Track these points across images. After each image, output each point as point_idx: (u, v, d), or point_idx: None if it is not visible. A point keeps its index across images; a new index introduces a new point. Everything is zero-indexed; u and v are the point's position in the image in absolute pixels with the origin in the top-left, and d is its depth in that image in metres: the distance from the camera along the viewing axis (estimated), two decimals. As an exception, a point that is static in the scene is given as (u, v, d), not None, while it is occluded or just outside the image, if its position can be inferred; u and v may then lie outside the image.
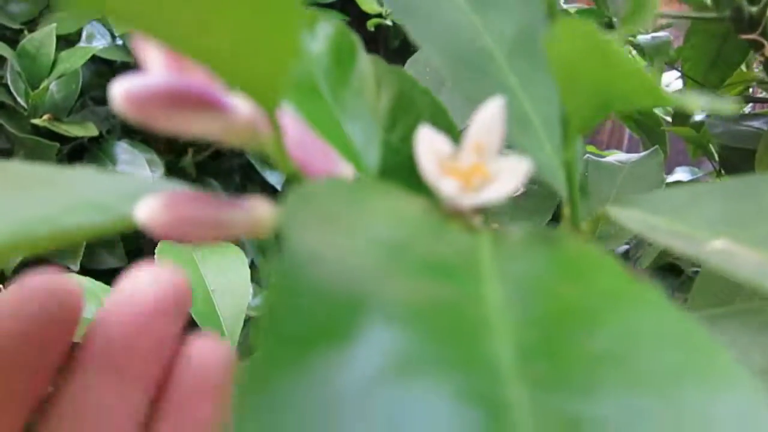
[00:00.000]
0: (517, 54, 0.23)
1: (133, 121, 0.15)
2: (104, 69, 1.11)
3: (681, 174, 1.10)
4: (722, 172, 0.90)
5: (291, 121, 0.16)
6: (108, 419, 0.18)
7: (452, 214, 0.15)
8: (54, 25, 0.94)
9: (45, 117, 0.96)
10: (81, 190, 0.16)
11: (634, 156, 0.67)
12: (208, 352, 0.19)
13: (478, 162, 0.16)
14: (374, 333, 0.09)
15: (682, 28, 0.86)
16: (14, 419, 0.17)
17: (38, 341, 0.17)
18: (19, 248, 0.13)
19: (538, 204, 0.52)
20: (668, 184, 0.83)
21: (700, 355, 0.10)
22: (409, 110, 0.23)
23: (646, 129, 0.93)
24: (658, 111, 0.92)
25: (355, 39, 0.21)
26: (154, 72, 0.15)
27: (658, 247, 0.61)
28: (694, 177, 1.07)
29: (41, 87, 0.93)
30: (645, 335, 0.10)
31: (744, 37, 0.46)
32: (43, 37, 0.93)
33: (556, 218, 0.56)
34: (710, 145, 0.91)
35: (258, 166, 1.15)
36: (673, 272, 0.75)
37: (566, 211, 0.22)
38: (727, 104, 0.13)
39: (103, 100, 1.15)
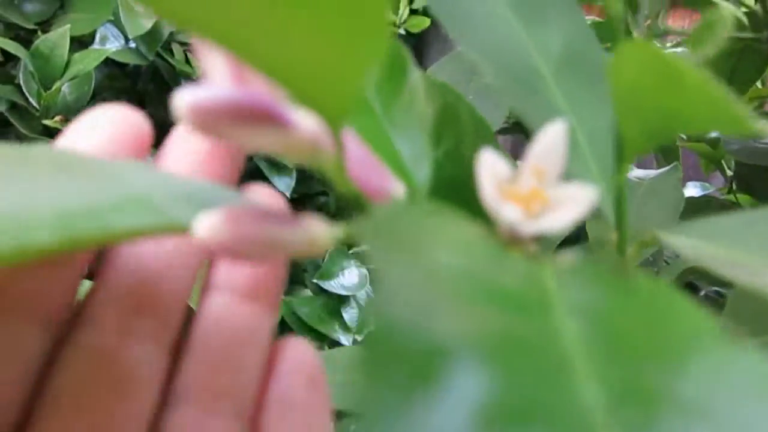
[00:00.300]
0: (563, 72, 0.22)
1: (194, 133, 0.14)
2: (116, 72, 1.11)
3: (692, 189, 1.10)
4: (733, 187, 0.90)
5: (350, 137, 0.16)
6: None
7: (509, 240, 0.15)
8: (68, 26, 0.94)
9: (57, 118, 0.95)
10: (129, 185, 0.15)
11: (652, 172, 0.66)
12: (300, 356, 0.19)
13: (537, 187, 0.15)
14: (461, 378, 0.09)
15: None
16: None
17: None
18: (60, 245, 0.13)
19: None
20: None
21: None
22: (453, 125, 0.22)
23: (662, 145, 0.92)
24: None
25: (406, 52, 0.20)
26: (217, 83, 0.15)
27: (679, 265, 0.60)
28: (706, 192, 1.07)
29: (54, 88, 0.93)
30: (733, 385, 0.10)
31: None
32: (57, 38, 0.93)
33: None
34: (723, 161, 0.91)
35: (266, 171, 1.15)
36: (690, 289, 0.75)
37: (613, 236, 0.21)
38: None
39: (115, 103, 1.15)
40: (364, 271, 1.34)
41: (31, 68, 0.93)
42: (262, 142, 0.15)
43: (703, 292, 0.76)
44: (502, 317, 0.10)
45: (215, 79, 0.15)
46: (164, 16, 0.12)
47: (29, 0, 0.99)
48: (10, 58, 1.02)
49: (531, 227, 0.15)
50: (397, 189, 0.16)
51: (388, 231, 0.11)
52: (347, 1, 0.11)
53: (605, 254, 0.20)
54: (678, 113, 0.15)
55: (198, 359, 0.18)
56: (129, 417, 0.17)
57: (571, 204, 0.15)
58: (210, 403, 0.18)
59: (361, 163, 0.16)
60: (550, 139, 0.15)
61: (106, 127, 0.18)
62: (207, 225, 0.14)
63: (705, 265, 0.16)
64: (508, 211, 0.15)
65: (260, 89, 0.15)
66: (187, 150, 0.19)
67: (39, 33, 0.98)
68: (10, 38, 0.96)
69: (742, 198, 0.85)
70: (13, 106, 0.98)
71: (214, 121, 0.14)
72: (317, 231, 0.15)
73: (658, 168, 0.70)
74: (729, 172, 0.93)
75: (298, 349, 0.20)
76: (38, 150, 0.16)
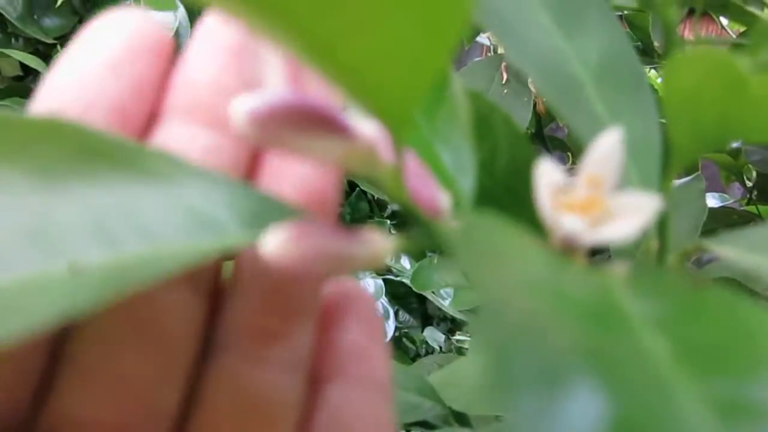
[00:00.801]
0: (602, 80, 0.22)
1: (253, 142, 0.14)
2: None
3: (711, 200, 1.09)
4: (753, 198, 0.89)
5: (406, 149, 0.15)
6: None
7: (563, 250, 0.14)
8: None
9: (75, 131, 0.96)
10: (180, 194, 0.14)
11: (675, 182, 0.66)
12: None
13: (593, 196, 0.15)
14: (581, 393, 0.09)
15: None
16: None
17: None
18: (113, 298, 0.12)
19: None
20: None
21: None
22: (487, 136, 0.22)
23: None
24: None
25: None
26: (276, 88, 0.14)
27: (707, 274, 0.60)
28: (724, 203, 1.07)
29: (73, 101, 0.94)
30: None
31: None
32: (76, 52, 0.94)
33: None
34: (743, 172, 0.90)
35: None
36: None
37: (653, 244, 0.21)
38: None
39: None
40: (380, 282, 1.34)
41: (50, 82, 0.93)
42: (322, 150, 0.14)
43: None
44: (593, 334, 0.10)
45: (272, 84, 0.14)
46: (229, 9, 0.12)
47: (48, 15, 1.00)
48: (29, 72, 1.03)
49: (591, 237, 0.14)
50: (445, 200, 0.16)
51: (475, 247, 0.11)
52: None
53: (649, 264, 0.20)
54: (739, 121, 0.14)
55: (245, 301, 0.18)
56: None
57: (633, 213, 0.14)
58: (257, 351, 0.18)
59: (414, 174, 0.15)
60: (606, 147, 0.15)
61: (121, 34, 0.17)
62: (276, 242, 0.13)
63: (754, 274, 0.16)
64: (568, 222, 0.14)
65: (320, 95, 0.14)
66: (213, 48, 0.17)
67: (58, 47, 0.99)
68: (30, 52, 0.97)
69: (763, 209, 0.84)
70: (32, 120, 0.99)
71: (274, 128, 0.14)
72: (379, 244, 0.14)
73: (678, 178, 0.70)
74: (749, 183, 0.92)
75: (358, 298, 0.19)
76: (57, 128, 0.14)
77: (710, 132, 0.15)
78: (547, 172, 0.15)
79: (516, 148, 0.23)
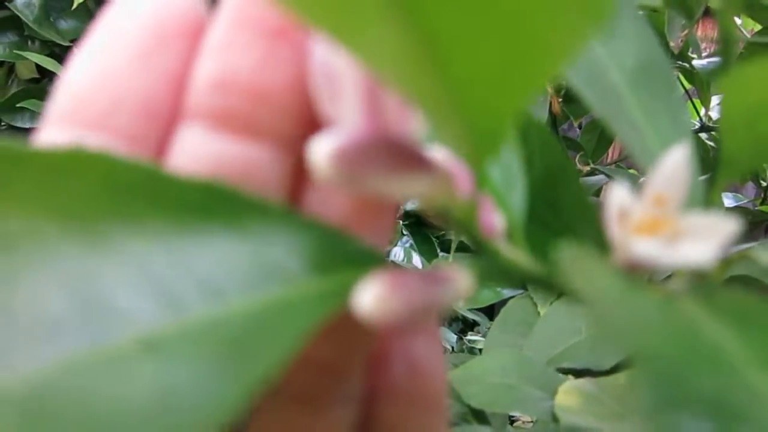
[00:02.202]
0: (638, 86, 0.22)
1: (331, 183, 0.12)
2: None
3: (726, 200, 1.09)
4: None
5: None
6: None
7: (627, 269, 0.14)
8: (103, 42, 0.95)
9: (91, 133, 0.96)
10: (238, 236, 0.12)
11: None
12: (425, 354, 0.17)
13: (659, 215, 0.15)
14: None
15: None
16: None
17: None
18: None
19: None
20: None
21: None
22: (523, 145, 0.22)
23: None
24: (702, 136, 0.91)
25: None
26: (355, 123, 0.13)
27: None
28: (739, 203, 1.06)
29: (89, 103, 0.94)
30: None
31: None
32: (93, 54, 0.94)
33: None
34: (758, 172, 0.90)
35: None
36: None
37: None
38: None
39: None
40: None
41: (66, 84, 0.94)
42: (404, 189, 0.13)
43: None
44: (708, 377, 0.10)
45: (348, 116, 0.13)
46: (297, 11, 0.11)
47: (64, 17, 1.00)
48: (46, 74, 1.03)
49: (666, 260, 0.14)
50: (501, 222, 0.16)
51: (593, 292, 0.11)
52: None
53: (700, 279, 0.20)
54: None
55: None
56: None
57: (707, 235, 0.14)
58: None
59: (484, 206, 0.15)
60: (673, 165, 0.15)
61: (149, 17, 0.15)
62: (372, 300, 0.12)
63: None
64: (642, 246, 0.14)
65: (398, 126, 0.13)
66: (247, 33, 0.14)
67: (74, 49, 0.99)
68: (46, 55, 0.98)
69: (778, 209, 0.84)
70: (48, 122, 0.99)
71: (360, 168, 0.12)
72: (463, 282, 0.13)
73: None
74: (763, 183, 0.92)
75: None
76: (81, 160, 0.12)
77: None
78: (617, 197, 0.14)
79: (550, 155, 0.23)
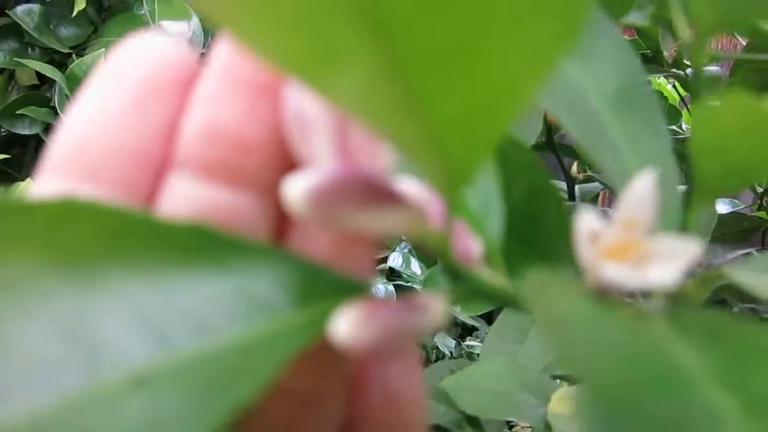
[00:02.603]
0: (620, 110, 0.22)
1: (307, 221, 0.13)
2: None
3: (722, 206, 1.09)
4: (764, 204, 0.89)
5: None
6: None
7: (598, 291, 0.15)
8: (102, 50, 0.96)
9: (91, 140, 0.97)
10: (224, 274, 0.13)
11: (682, 188, 0.66)
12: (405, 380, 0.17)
13: (629, 239, 0.15)
14: None
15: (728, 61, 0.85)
16: None
17: None
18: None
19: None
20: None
21: None
22: (503, 166, 0.22)
23: (689, 162, 0.92)
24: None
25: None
26: (326, 163, 0.13)
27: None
28: (735, 209, 1.06)
29: (88, 110, 0.95)
30: None
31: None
32: (92, 62, 0.95)
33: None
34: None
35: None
36: (722, 306, 0.74)
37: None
38: None
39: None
40: (391, 288, 1.35)
41: (66, 91, 0.94)
42: (377, 223, 0.14)
43: (735, 309, 0.76)
44: (666, 401, 0.11)
45: (319, 155, 0.14)
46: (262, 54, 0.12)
47: (64, 25, 1.01)
48: (45, 81, 1.04)
49: (633, 283, 0.15)
50: (478, 247, 0.16)
51: (547, 312, 0.12)
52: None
53: (677, 300, 0.20)
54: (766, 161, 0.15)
55: None
56: None
57: (673, 257, 0.15)
58: None
59: (459, 233, 0.15)
60: (641, 190, 0.15)
61: (145, 65, 0.15)
62: (347, 328, 0.12)
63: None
64: (610, 271, 0.14)
65: (369, 163, 0.14)
66: (234, 87, 0.15)
67: (74, 57, 1.00)
68: (46, 62, 0.98)
69: (773, 215, 0.84)
70: (48, 128, 1.00)
71: (333, 205, 0.13)
72: (437, 309, 0.14)
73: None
74: (759, 189, 0.92)
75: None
76: (73, 210, 0.13)
77: (737, 173, 0.16)
78: (586, 223, 0.15)
79: (532, 177, 0.23)
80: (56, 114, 0.97)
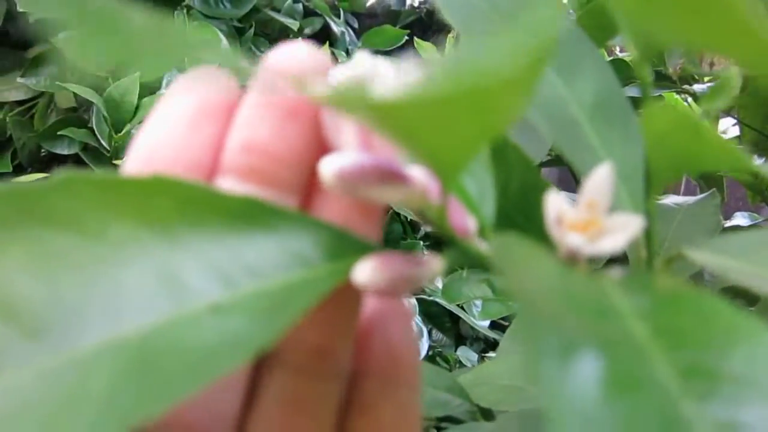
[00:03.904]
0: (596, 118, 0.26)
1: (334, 191, 0.18)
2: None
3: (740, 219, 1.10)
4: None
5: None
6: None
7: (568, 261, 0.19)
8: (138, 73, 1.00)
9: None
10: (275, 236, 0.17)
11: (690, 198, 0.68)
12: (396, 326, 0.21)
13: (591, 217, 0.19)
14: (586, 357, 0.13)
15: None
16: None
17: None
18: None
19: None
20: (726, 229, 0.85)
21: None
22: (501, 164, 0.26)
23: (704, 174, 0.95)
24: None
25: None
26: (352, 149, 0.18)
27: (717, 285, 0.63)
28: (754, 222, 1.07)
29: (124, 131, 0.99)
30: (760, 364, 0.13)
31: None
32: (128, 84, 0.99)
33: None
34: (765, 191, 0.92)
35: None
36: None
37: (642, 254, 0.25)
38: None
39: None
40: (413, 301, 1.37)
41: (103, 112, 0.99)
42: (388, 196, 0.18)
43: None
44: (593, 323, 0.14)
45: (348, 145, 0.18)
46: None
47: (101, 50, 1.06)
48: (83, 104, 1.09)
49: (590, 250, 0.19)
50: (473, 224, 0.20)
51: (509, 263, 0.15)
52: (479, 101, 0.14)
53: (640, 269, 0.24)
54: (696, 155, 0.19)
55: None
56: None
57: (622, 230, 0.19)
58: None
59: (455, 210, 0.20)
60: (600, 178, 0.19)
61: (197, 96, 0.19)
62: (366, 273, 0.17)
63: (727, 276, 0.20)
64: (571, 239, 0.18)
65: (386, 153, 0.18)
66: (268, 111, 0.19)
67: (110, 80, 1.05)
68: (84, 85, 1.03)
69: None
70: (85, 148, 1.05)
71: (355, 182, 0.17)
72: (435, 265, 0.19)
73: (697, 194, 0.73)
74: (773, 202, 0.94)
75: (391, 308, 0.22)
76: (160, 184, 0.16)
77: (679, 164, 0.20)
78: (553, 203, 0.19)
79: (526, 174, 0.27)
80: (94, 134, 1.02)
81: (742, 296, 0.62)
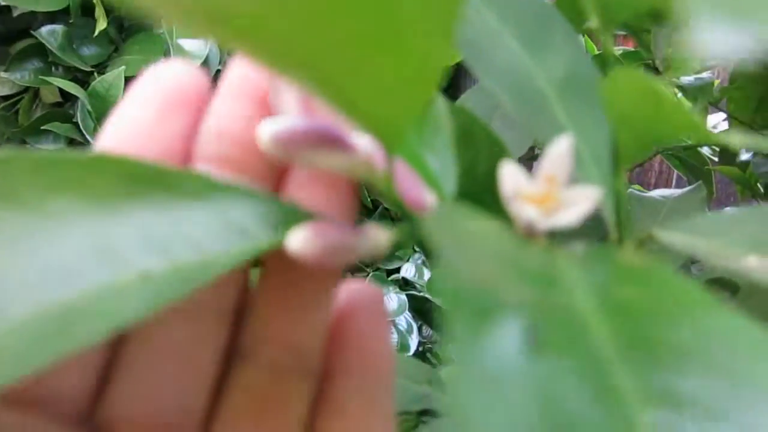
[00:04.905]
0: (566, 93, 0.25)
1: (274, 157, 0.17)
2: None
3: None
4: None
5: (396, 158, 0.19)
6: None
7: (526, 234, 0.18)
8: (123, 67, 0.99)
9: (111, 153, 1.01)
10: (216, 207, 0.17)
11: (677, 191, 0.68)
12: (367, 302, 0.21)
13: (549, 191, 0.18)
14: (510, 321, 0.12)
15: (728, 68, 0.88)
16: None
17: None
18: (171, 285, 0.15)
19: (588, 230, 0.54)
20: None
21: (757, 347, 0.13)
22: (469, 144, 0.26)
23: (693, 168, 0.94)
24: (704, 151, 0.94)
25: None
26: (292, 115, 0.18)
27: (703, 276, 0.63)
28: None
29: (109, 125, 0.98)
30: (714, 332, 0.13)
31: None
32: (113, 79, 0.99)
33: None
34: (758, 185, 0.91)
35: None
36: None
37: (613, 235, 0.24)
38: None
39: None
40: (403, 297, 1.37)
41: (88, 107, 0.98)
42: (329, 162, 0.18)
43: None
44: (535, 291, 0.14)
45: (289, 111, 0.18)
46: (254, 57, 0.15)
47: (86, 44, 1.05)
48: (68, 99, 1.08)
49: (545, 223, 0.18)
50: (431, 199, 0.20)
51: (445, 226, 0.15)
52: (406, 63, 0.14)
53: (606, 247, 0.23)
54: (658, 126, 0.18)
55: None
56: None
57: (579, 203, 0.18)
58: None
59: (404, 178, 0.19)
60: (559, 151, 0.19)
61: (166, 86, 0.19)
62: (298, 239, 0.16)
63: (690, 253, 0.20)
64: (526, 211, 0.18)
65: (327, 119, 0.18)
66: (241, 100, 0.19)
67: (95, 74, 1.04)
68: (69, 80, 1.02)
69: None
70: (70, 143, 1.04)
71: (291, 146, 0.17)
72: (380, 236, 0.18)
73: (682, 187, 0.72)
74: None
75: (364, 298, 0.21)
76: (104, 161, 0.16)
77: (641, 135, 0.19)
78: (508, 173, 0.18)
79: (494, 154, 0.26)
80: (79, 129, 1.01)
81: (724, 286, 0.61)
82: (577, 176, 0.23)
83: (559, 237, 0.19)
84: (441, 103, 0.22)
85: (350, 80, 0.14)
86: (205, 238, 0.16)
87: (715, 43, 0.10)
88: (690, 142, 0.91)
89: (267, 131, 0.17)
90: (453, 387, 0.10)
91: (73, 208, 0.16)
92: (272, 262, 0.20)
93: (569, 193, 0.18)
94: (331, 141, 0.17)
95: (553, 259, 0.16)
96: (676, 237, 0.21)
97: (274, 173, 0.20)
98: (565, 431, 0.10)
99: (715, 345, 0.13)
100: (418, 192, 0.19)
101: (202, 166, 0.19)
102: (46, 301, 0.14)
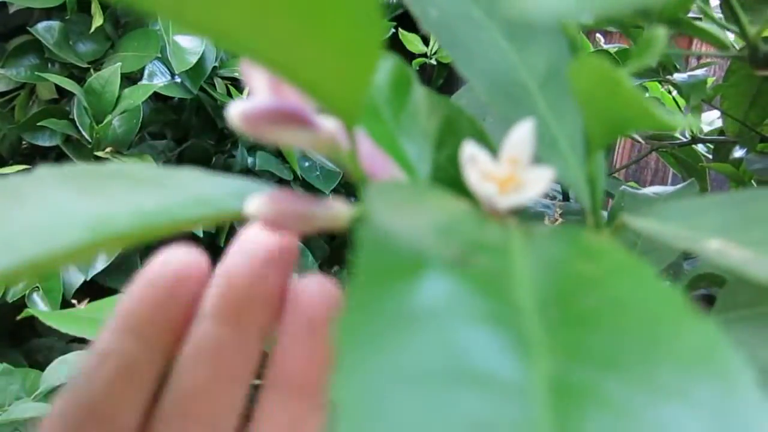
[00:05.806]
0: (547, 85, 0.26)
1: (245, 134, 0.18)
2: (162, 105, 1.17)
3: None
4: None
5: (362, 137, 0.20)
6: (227, 366, 0.20)
7: (490, 213, 0.18)
8: (119, 64, 1.00)
9: (107, 150, 1.01)
10: (189, 188, 0.19)
11: (670, 188, 0.69)
12: (315, 289, 0.21)
13: (511, 172, 0.19)
14: (433, 277, 0.12)
15: (722, 66, 0.88)
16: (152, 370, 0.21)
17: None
18: (140, 237, 0.16)
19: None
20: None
21: (673, 314, 0.13)
22: (454, 133, 0.26)
23: (687, 166, 0.95)
24: (699, 148, 0.94)
25: (411, 72, 0.24)
26: (260, 95, 0.19)
27: (693, 273, 0.63)
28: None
29: (105, 122, 0.99)
30: (629, 299, 0.14)
31: (761, 73, 0.49)
32: (109, 75, 0.99)
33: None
34: (752, 182, 0.92)
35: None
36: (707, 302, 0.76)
37: (589, 220, 0.25)
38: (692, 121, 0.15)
39: (160, 135, 1.21)
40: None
41: (84, 103, 0.98)
42: (295, 139, 0.19)
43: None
44: (472, 254, 0.14)
45: (259, 92, 0.19)
46: (220, 43, 0.16)
47: (82, 41, 1.06)
48: (65, 95, 1.09)
49: (505, 201, 0.18)
50: (398, 176, 0.20)
51: (387, 195, 0.15)
52: (347, 42, 0.15)
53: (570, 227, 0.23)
54: (620, 113, 0.18)
55: None
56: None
57: (537, 183, 0.18)
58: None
59: (371, 157, 0.20)
60: (521, 134, 0.19)
61: (169, 272, 0.21)
62: (255, 204, 0.18)
63: (656, 238, 0.20)
64: (485, 188, 0.18)
65: (293, 99, 0.19)
66: (249, 259, 0.21)
67: (91, 71, 1.04)
68: (65, 76, 1.02)
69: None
70: (67, 139, 1.04)
71: (258, 124, 0.18)
72: (339, 209, 0.19)
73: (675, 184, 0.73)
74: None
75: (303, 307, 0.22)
76: (115, 168, 0.19)
77: (605, 122, 0.19)
78: (470, 152, 0.19)
79: (478, 140, 0.27)
80: (75, 126, 1.01)
81: (711, 281, 0.62)
82: (555, 165, 0.23)
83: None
84: (420, 92, 0.22)
85: (295, 56, 0.15)
86: (177, 206, 0.18)
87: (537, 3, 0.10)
88: (684, 140, 0.91)
89: (237, 110, 0.18)
90: (347, 336, 0.11)
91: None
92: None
93: (530, 174, 0.19)
94: (297, 119, 0.18)
95: (508, 233, 0.16)
96: (644, 222, 0.22)
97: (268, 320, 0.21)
98: (466, 378, 0.10)
99: (633, 310, 0.13)
100: (386, 171, 0.20)
101: (204, 320, 0.21)
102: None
